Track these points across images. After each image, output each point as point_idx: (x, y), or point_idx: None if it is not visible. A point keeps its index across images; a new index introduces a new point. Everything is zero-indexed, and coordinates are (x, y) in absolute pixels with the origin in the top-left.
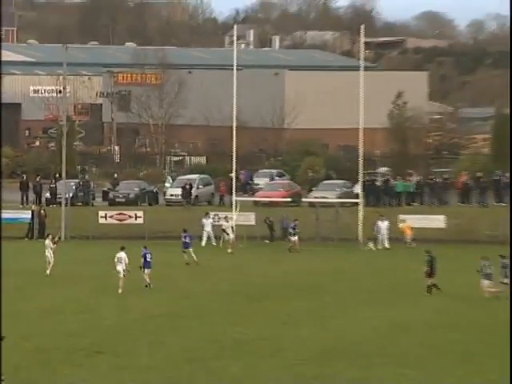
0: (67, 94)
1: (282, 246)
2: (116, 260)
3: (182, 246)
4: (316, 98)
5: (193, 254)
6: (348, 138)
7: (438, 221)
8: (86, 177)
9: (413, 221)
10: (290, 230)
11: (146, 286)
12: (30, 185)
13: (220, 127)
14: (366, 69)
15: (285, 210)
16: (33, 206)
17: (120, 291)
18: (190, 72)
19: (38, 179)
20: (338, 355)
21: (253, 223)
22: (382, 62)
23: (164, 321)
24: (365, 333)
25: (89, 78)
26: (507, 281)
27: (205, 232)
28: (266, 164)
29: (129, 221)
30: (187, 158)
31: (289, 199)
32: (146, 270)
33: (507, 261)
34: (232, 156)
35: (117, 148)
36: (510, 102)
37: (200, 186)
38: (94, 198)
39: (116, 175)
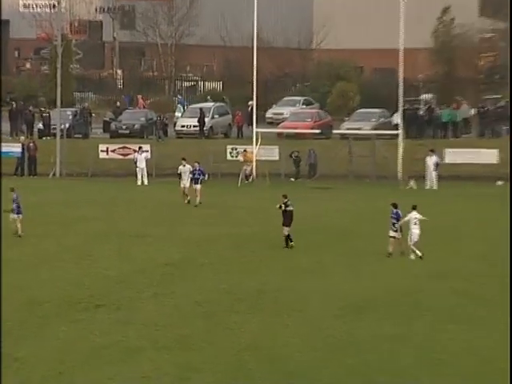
0: (62, 10)
1: (308, 184)
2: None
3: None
4: (349, 13)
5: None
6: (386, 61)
7: (489, 155)
8: (85, 105)
9: (461, 155)
10: (197, 176)
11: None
12: (21, 114)
13: (238, 48)
14: None
15: (313, 144)
16: (22, 138)
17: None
18: None
19: (29, 107)
20: (370, 307)
21: (276, 158)
22: None
23: (172, 270)
24: (401, 282)
25: None
26: (394, 234)
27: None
28: (291, 90)
29: (133, 155)
30: (200, 84)
31: (317, 131)
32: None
33: (399, 211)
34: (252, 81)
35: (119, 72)
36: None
37: (215, 116)
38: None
39: (119, 103)
